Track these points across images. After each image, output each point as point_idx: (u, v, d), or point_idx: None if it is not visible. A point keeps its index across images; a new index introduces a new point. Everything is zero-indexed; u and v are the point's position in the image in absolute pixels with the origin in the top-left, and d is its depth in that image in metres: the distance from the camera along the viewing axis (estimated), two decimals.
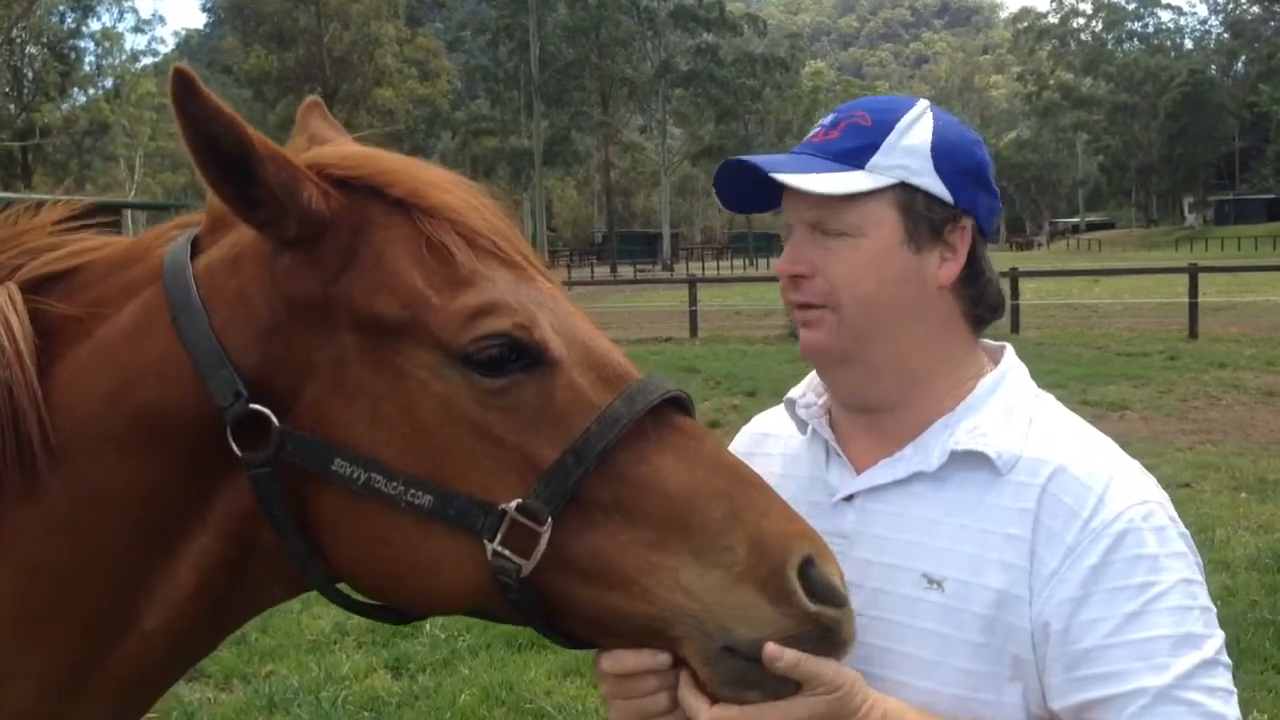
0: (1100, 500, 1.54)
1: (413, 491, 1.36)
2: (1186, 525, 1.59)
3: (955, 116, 1.75)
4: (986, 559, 1.56)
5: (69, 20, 74.97)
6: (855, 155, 1.63)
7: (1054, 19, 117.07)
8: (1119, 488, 1.56)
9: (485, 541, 1.34)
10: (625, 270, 59.89)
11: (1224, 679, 1.49)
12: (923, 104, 1.70)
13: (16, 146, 67.24)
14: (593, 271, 60.02)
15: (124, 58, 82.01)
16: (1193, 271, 21.64)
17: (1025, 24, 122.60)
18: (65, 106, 75.95)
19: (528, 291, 1.43)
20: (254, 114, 56.32)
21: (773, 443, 1.88)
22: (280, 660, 6.11)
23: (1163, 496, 1.59)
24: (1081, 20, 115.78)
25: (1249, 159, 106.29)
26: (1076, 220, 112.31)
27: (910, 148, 1.63)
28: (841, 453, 1.73)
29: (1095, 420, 1.75)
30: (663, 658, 1.37)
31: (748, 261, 72.74)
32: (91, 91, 79.61)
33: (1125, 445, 1.67)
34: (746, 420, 1.99)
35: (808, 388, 1.85)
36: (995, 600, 1.54)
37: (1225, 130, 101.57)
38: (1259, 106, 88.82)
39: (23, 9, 64.37)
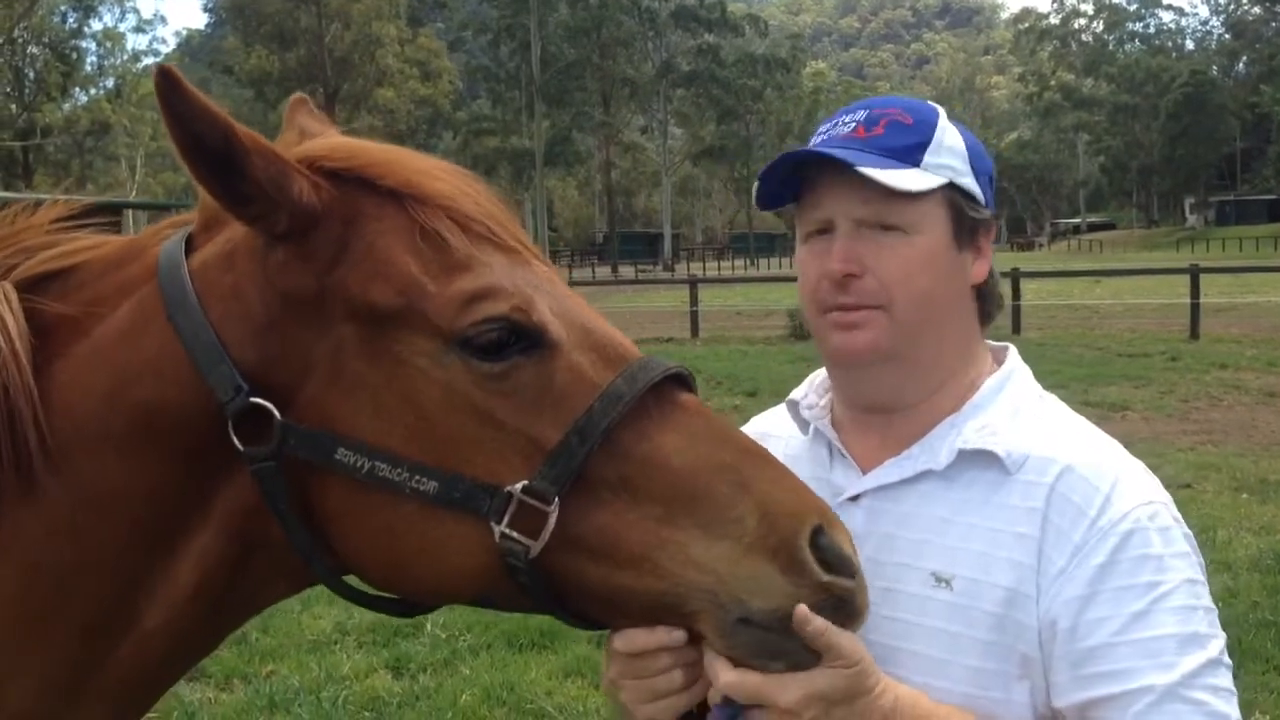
0: (1107, 500, 1.54)
1: (418, 478, 1.35)
2: (1188, 526, 1.59)
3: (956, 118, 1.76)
4: (995, 557, 1.56)
5: (71, 20, 75.17)
6: (908, 153, 1.62)
7: (1055, 20, 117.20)
8: (1125, 488, 1.56)
9: (492, 524, 1.33)
10: (626, 270, 59.86)
11: (1227, 679, 1.50)
12: (939, 106, 1.72)
13: (18, 146, 67.33)
14: (594, 271, 60.12)
15: (125, 58, 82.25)
16: (1194, 272, 21.65)
17: (1026, 25, 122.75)
18: (67, 106, 76.08)
19: (524, 275, 1.42)
20: (255, 114, 56.32)
21: (773, 443, 1.86)
22: (281, 660, 6.10)
23: (1167, 497, 1.59)
24: (1083, 21, 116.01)
25: (1250, 160, 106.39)
26: (1078, 221, 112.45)
27: (953, 149, 1.65)
28: (846, 453, 1.73)
29: (1097, 421, 1.75)
30: (677, 634, 1.37)
31: (749, 262, 72.82)
32: (93, 91, 79.87)
33: (1127, 446, 1.67)
34: (746, 420, 1.99)
35: (809, 389, 1.85)
36: (1004, 598, 1.55)
37: (1226, 131, 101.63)
38: (1260, 107, 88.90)
39: (24, 9, 64.43)
